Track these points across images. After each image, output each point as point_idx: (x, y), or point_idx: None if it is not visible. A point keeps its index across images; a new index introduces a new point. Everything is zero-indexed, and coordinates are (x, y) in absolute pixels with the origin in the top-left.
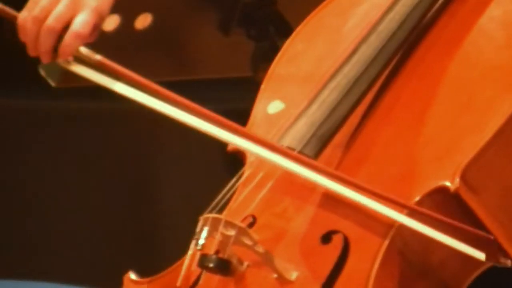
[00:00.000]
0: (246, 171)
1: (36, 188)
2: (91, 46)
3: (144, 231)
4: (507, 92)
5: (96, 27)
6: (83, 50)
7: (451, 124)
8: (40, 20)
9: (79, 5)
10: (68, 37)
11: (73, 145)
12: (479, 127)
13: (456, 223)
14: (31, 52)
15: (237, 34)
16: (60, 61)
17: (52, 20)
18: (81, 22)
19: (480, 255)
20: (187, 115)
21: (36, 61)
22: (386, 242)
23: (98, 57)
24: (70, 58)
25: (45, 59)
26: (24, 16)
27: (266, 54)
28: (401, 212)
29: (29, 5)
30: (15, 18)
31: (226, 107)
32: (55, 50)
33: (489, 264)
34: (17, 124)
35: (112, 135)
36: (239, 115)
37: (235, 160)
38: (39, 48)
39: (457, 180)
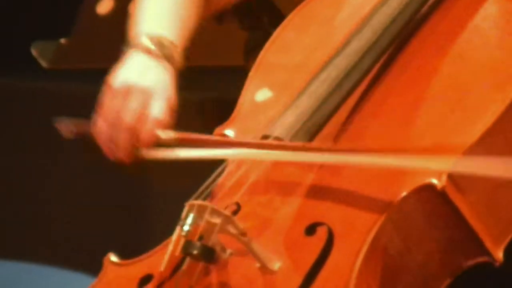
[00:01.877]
0: (234, 159)
1: (24, 170)
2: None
3: (131, 215)
4: (497, 91)
5: (171, 113)
6: (161, 133)
7: (440, 121)
8: (116, 123)
9: (151, 96)
10: (148, 127)
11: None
12: (469, 126)
13: None
14: (112, 156)
15: (230, 23)
16: (143, 153)
17: (127, 119)
18: (159, 108)
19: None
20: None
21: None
22: (371, 236)
23: (174, 134)
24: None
25: (127, 159)
26: (98, 123)
27: (259, 43)
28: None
29: (99, 110)
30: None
31: (216, 95)
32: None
33: (472, 262)
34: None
35: None
36: (229, 104)
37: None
38: (119, 149)
39: (444, 178)
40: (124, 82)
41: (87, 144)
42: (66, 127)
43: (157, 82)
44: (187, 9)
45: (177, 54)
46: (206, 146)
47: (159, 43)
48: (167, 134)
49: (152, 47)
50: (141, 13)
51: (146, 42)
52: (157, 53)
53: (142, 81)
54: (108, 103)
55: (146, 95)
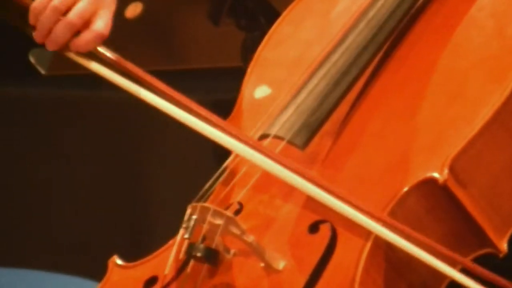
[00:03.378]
0: (235, 159)
1: (25, 176)
2: None
3: (133, 219)
4: (496, 82)
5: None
6: (100, 48)
7: (440, 114)
8: (61, 11)
9: (101, 5)
10: (90, 36)
11: (63, 134)
12: (468, 118)
13: (428, 241)
14: (39, 39)
15: (227, 24)
16: (71, 54)
17: (74, 16)
18: (104, 22)
19: (451, 272)
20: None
21: (26, 49)
22: (374, 232)
23: (113, 55)
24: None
25: (53, 48)
26: (41, 2)
27: (256, 44)
28: (377, 222)
29: None
30: (28, 3)
31: (215, 97)
32: None
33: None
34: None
35: (103, 124)
36: (228, 105)
37: (225, 149)
38: (52, 37)
39: (446, 171)
40: None
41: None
42: None
43: None
44: None
45: None
46: (137, 81)
47: None
48: (104, 49)
49: None
50: None
51: None
52: None
53: None
54: None
55: (97, 1)
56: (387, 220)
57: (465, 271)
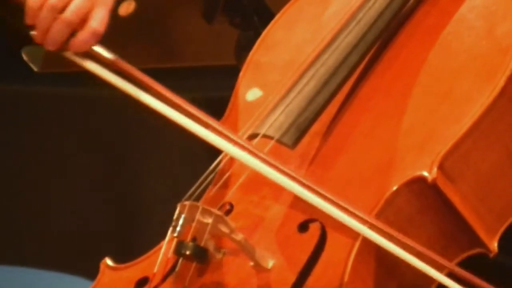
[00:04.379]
0: (224, 159)
1: (15, 174)
2: None
3: (123, 218)
4: (485, 82)
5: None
6: (96, 47)
7: (429, 113)
8: (57, 10)
9: (97, 2)
10: (86, 34)
11: (54, 132)
12: (458, 118)
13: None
14: (38, 38)
15: (221, 23)
16: (68, 53)
17: (71, 13)
18: (100, 19)
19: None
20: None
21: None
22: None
23: (110, 55)
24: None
25: (52, 48)
26: (37, 1)
27: (250, 43)
28: (364, 224)
29: None
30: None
31: (209, 95)
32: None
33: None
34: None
35: (94, 121)
36: (222, 103)
37: (215, 148)
38: (50, 36)
39: (435, 170)
40: None
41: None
42: None
43: None
44: None
45: None
46: (134, 82)
47: None
48: (101, 49)
49: None
50: None
51: None
52: None
53: None
54: None
55: None
56: (374, 222)
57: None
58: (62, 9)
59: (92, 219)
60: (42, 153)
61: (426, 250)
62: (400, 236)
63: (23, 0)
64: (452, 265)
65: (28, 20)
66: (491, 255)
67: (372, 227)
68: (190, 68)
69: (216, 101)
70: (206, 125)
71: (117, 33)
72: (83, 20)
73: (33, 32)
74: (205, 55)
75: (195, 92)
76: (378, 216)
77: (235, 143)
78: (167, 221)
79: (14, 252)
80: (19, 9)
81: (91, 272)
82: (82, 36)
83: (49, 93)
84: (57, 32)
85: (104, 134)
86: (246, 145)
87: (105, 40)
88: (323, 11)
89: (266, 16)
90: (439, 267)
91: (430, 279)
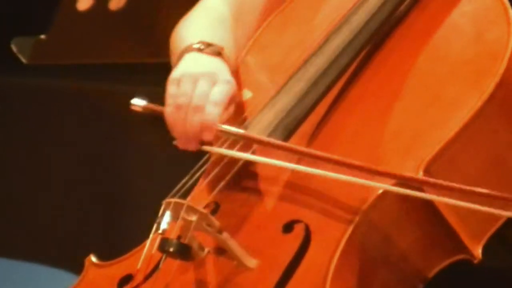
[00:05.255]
0: (211, 156)
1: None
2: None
3: (110, 215)
4: (473, 88)
5: (232, 100)
6: (224, 127)
7: (417, 117)
8: (186, 105)
9: (217, 80)
10: (209, 107)
11: (41, 125)
12: (445, 122)
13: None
14: (182, 143)
15: None
16: (208, 146)
17: (197, 99)
18: (218, 91)
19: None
20: None
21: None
22: (348, 233)
23: (240, 131)
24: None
25: (194, 146)
26: (170, 110)
27: None
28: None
29: (168, 101)
30: (161, 113)
31: None
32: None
33: (451, 260)
34: None
35: (81, 116)
36: None
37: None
38: (188, 132)
39: (421, 173)
40: (185, 71)
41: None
42: (138, 105)
43: (215, 67)
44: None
45: (226, 55)
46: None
47: (208, 44)
48: (229, 128)
49: (202, 46)
50: (187, 33)
51: (196, 44)
52: (207, 51)
53: (202, 68)
54: (175, 91)
55: (211, 76)
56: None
57: None
58: (190, 103)
59: (79, 215)
60: (28, 149)
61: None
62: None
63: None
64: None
65: (174, 133)
66: (475, 261)
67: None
68: None
69: None
70: None
71: (107, 27)
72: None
73: (175, 142)
74: None
75: None
76: (363, 218)
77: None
78: (153, 218)
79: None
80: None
81: (75, 267)
82: (207, 110)
83: (37, 85)
84: (190, 121)
85: (92, 131)
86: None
87: (96, 34)
88: (315, 14)
89: None
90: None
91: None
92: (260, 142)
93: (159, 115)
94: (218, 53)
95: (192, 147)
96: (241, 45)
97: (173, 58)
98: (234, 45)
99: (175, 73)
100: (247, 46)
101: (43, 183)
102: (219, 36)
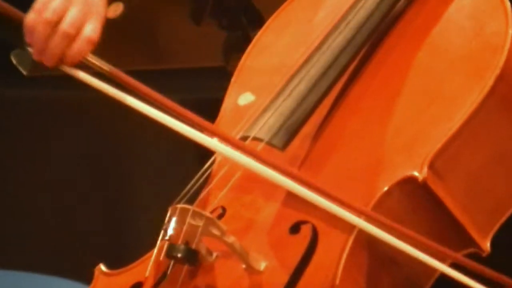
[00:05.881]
0: (216, 161)
1: (3, 177)
2: None
3: (116, 223)
4: (474, 82)
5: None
6: (92, 58)
7: (419, 113)
8: (53, 24)
9: (91, 11)
10: (80, 43)
11: (45, 135)
12: (447, 117)
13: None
14: (37, 56)
15: (209, 24)
16: (65, 67)
17: (67, 25)
18: (93, 28)
19: (438, 265)
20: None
21: (7, 49)
22: (355, 232)
23: (107, 66)
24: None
25: (51, 63)
26: (33, 18)
27: (238, 44)
28: (359, 216)
29: (37, 6)
30: (20, 18)
31: (198, 97)
32: None
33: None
34: None
35: (81, 125)
36: (211, 104)
37: (206, 150)
38: (48, 51)
39: (425, 169)
40: None
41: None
42: None
43: None
44: None
45: None
46: (132, 91)
47: None
48: (97, 60)
49: None
50: None
51: None
52: None
53: None
54: (47, 1)
55: (87, 7)
56: (370, 213)
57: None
58: (57, 23)
59: (83, 223)
60: (29, 156)
61: (426, 239)
62: (397, 226)
63: (19, 15)
64: (455, 254)
65: (27, 38)
66: (484, 254)
67: (368, 219)
68: (178, 70)
69: (204, 102)
70: (197, 126)
71: (105, 35)
72: (78, 32)
73: (30, 49)
74: (193, 57)
75: (183, 93)
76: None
77: (230, 143)
78: (158, 223)
79: (2, 255)
80: (17, 27)
81: (81, 276)
82: (78, 45)
83: (37, 97)
84: (54, 46)
85: (95, 135)
86: (240, 144)
87: None
88: (314, 15)
89: (254, 17)
90: (440, 258)
91: (428, 273)
92: (127, 84)
93: (15, 18)
94: None
95: (47, 63)
96: None
97: None
98: None
99: None
100: (248, 49)
101: (45, 192)
102: None
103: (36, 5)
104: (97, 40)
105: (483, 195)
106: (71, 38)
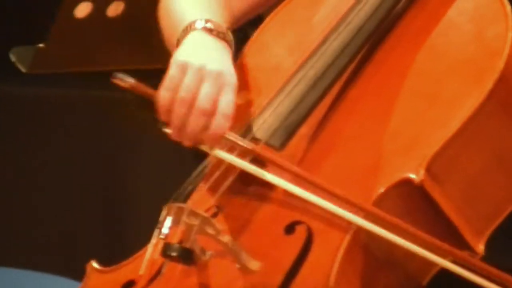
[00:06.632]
0: (211, 161)
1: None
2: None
3: (114, 222)
4: (473, 85)
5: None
6: (231, 135)
7: (417, 116)
8: (189, 102)
9: (224, 83)
10: (219, 119)
11: (41, 133)
12: (445, 121)
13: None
14: (176, 135)
15: None
16: (205, 146)
17: (204, 102)
18: (228, 102)
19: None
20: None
21: (5, 46)
22: (350, 234)
23: (246, 143)
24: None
25: (191, 143)
26: (167, 98)
27: (237, 44)
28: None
29: (167, 84)
30: (151, 96)
31: None
32: None
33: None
34: None
35: (81, 123)
36: None
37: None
38: (188, 130)
39: (422, 172)
40: (191, 58)
41: (142, 104)
42: (123, 80)
43: (224, 65)
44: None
45: (229, 36)
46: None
47: (212, 22)
48: (236, 136)
49: (208, 25)
50: (182, 8)
51: (199, 22)
52: (214, 33)
53: (211, 63)
54: (178, 78)
55: (219, 80)
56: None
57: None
58: (193, 101)
59: (79, 220)
60: (28, 155)
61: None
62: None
63: (150, 92)
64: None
65: (163, 117)
66: (478, 257)
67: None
68: None
69: None
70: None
71: (106, 34)
72: (215, 107)
73: (167, 130)
74: None
75: None
76: (366, 217)
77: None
78: (153, 222)
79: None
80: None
81: (77, 274)
82: (217, 122)
83: (37, 94)
84: (194, 124)
85: (92, 136)
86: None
87: (94, 41)
88: (313, 15)
89: (254, 18)
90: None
91: (423, 272)
92: (267, 159)
93: (146, 98)
94: (223, 35)
95: (187, 143)
96: (238, 17)
97: (167, 34)
98: (229, 16)
99: (180, 55)
100: (246, 47)
101: (43, 190)
102: (215, 10)
103: (167, 83)
104: (233, 114)
105: (479, 198)
106: (207, 114)
